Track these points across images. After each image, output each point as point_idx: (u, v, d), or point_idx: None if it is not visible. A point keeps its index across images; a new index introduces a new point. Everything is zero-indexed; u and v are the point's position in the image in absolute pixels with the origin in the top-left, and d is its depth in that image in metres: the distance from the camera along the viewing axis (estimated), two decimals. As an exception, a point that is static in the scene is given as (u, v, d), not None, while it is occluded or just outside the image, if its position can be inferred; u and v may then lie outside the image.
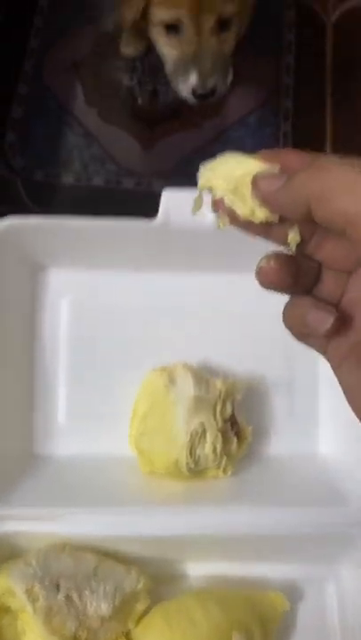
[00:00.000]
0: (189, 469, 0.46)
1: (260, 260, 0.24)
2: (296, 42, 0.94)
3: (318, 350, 0.25)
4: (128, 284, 0.52)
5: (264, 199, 0.23)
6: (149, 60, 0.92)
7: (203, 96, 0.71)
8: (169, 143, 0.87)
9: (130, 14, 0.68)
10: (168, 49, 0.71)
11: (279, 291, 0.24)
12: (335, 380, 0.55)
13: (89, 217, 0.46)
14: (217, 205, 0.25)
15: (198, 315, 0.53)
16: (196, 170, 0.26)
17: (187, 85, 0.71)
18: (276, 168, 0.23)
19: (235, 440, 0.47)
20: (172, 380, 0.47)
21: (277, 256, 0.23)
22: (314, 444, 0.52)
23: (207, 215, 0.47)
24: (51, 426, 0.51)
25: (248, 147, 0.87)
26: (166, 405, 0.46)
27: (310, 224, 0.22)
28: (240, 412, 0.49)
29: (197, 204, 0.26)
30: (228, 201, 0.24)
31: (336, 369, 0.25)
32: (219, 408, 0.46)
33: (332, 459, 0.52)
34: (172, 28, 0.67)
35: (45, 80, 0.92)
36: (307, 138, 0.87)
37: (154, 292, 0.52)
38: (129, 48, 0.91)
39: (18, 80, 0.92)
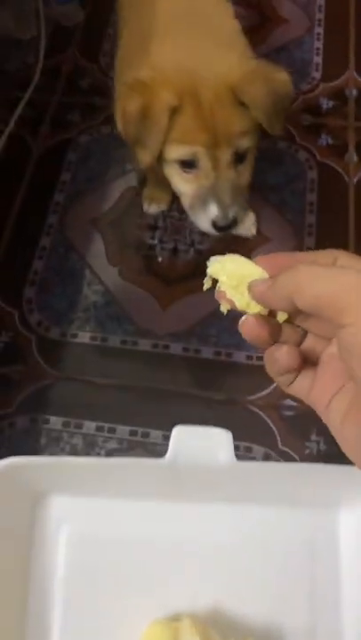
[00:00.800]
0: None
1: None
2: (318, 202, 0.95)
3: (302, 398, 0.31)
4: (130, 513, 0.48)
5: (257, 299, 0.30)
6: (171, 219, 0.93)
7: (224, 228, 0.68)
8: (187, 303, 0.86)
9: (148, 157, 0.65)
10: (184, 184, 0.68)
11: (260, 345, 0.31)
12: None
13: (93, 457, 0.43)
14: (220, 296, 0.32)
15: (205, 549, 0.48)
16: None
17: (207, 218, 0.67)
18: (266, 275, 0.30)
19: None
20: (176, 644, 0.42)
21: (258, 315, 0.31)
22: None
23: (218, 455, 0.44)
24: None
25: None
26: None
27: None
28: None
29: (207, 284, 0.33)
30: (229, 294, 0.31)
31: (322, 413, 0.30)
32: None
33: None
34: (187, 163, 0.66)
35: (68, 235, 0.93)
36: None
37: (157, 522, 0.48)
38: (151, 206, 0.93)
39: (41, 234, 0.93)
